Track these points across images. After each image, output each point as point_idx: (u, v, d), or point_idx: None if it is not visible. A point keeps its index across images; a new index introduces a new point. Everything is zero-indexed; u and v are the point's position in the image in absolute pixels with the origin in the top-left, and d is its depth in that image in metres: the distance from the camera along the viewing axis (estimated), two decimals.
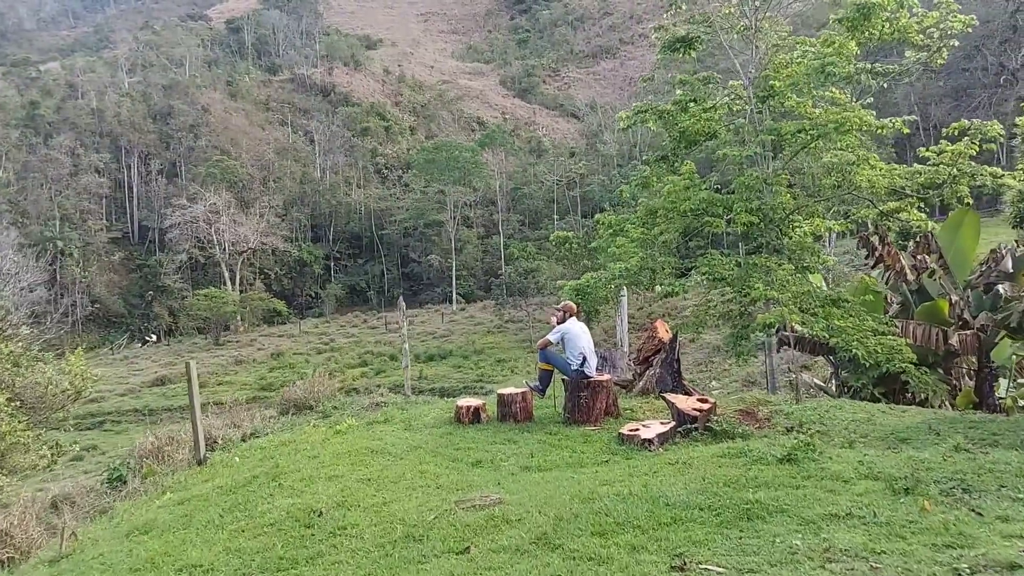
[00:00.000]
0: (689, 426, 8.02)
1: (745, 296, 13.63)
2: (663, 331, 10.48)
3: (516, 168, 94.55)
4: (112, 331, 78.96)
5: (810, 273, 13.91)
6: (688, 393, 10.17)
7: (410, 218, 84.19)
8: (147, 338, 72.74)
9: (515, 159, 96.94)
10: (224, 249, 74.34)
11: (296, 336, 66.01)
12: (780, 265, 12.97)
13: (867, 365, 12.22)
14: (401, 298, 11.61)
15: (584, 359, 8.97)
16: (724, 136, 14.46)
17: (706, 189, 13.41)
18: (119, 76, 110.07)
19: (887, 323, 13.02)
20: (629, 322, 55.22)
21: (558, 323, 9.70)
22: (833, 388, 18.40)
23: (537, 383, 9.54)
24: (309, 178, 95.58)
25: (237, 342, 65.70)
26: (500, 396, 9.41)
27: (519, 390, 9.44)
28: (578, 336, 9.09)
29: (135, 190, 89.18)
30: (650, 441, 7.55)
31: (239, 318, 70.12)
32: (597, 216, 15.70)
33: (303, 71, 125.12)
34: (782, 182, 13.83)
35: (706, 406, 8.25)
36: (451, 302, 74.31)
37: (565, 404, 9.06)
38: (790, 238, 14.56)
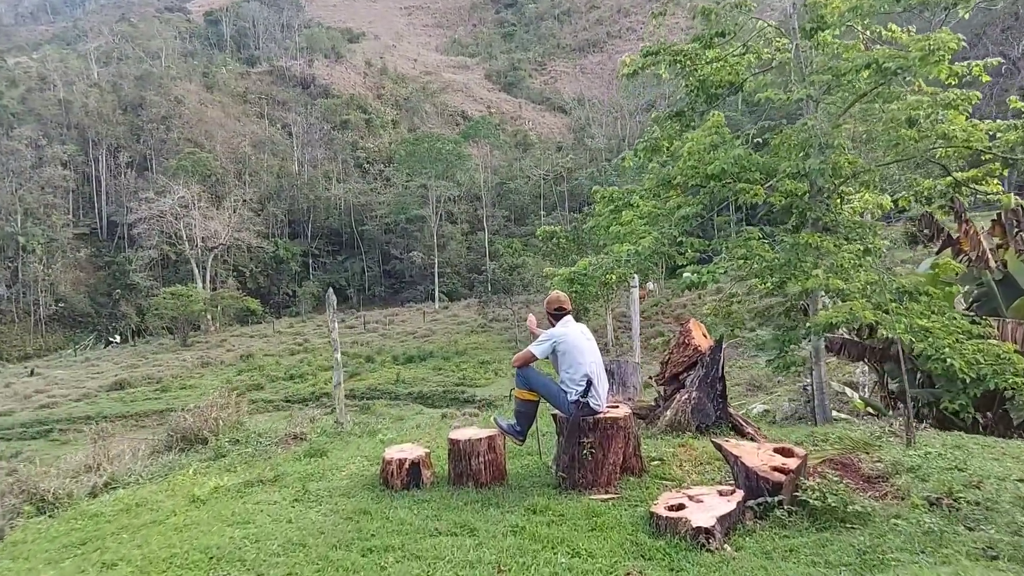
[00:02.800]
0: (768, 499, 4.75)
1: (793, 286, 10.41)
2: (700, 335, 7.22)
3: (502, 162, 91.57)
4: (78, 331, 75.26)
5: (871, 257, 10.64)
6: (741, 430, 6.91)
7: (391, 213, 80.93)
8: (111, 339, 68.97)
9: (500, 153, 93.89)
10: (194, 245, 70.66)
11: (269, 336, 62.57)
12: (840, 246, 9.71)
13: (965, 381, 8.97)
14: (331, 292, 8.14)
15: (589, 383, 5.70)
16: (762, 79, 11.17)
17: (741, 145, 10.10)
18: (91, 67, 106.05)
19: (984, 323, 9.80)
20: (619, 324, 52.13)
21: (543, 326, 6.54)
22: (878, 401, 15.23)
23: (513, 423, 6.16)
24: (286, 172, 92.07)
25: (206, 343, 62.18)
26: (454, 444, 5.91)
27: (483, 432, 6.05)
28: (578, 347, 5.79)
29: (103, 184, 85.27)
30: (708, 532, 4.31)
31: (209, 317, 66.51)
32: (595, 188, 12.40)
33: (282, 63, 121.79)
34: (843, 137, 10.55)
35: (791, 462, 4.97)
36: (434, 300, 71.04)
37: (558, 456, 5.82)
38: (839, 214, 11.31)
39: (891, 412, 13.68)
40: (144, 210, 70.38)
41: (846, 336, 12.76)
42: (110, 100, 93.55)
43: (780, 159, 10.44)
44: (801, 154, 10.34)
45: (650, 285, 56.32)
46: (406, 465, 5.73)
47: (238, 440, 8.81)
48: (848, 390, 18.21)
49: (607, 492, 5.36)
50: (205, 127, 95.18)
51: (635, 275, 9.27)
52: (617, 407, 5.89)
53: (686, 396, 6.93)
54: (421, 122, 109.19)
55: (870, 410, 15.03)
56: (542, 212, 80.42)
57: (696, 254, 10.40)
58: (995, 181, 11.75)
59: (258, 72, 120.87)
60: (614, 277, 11.14)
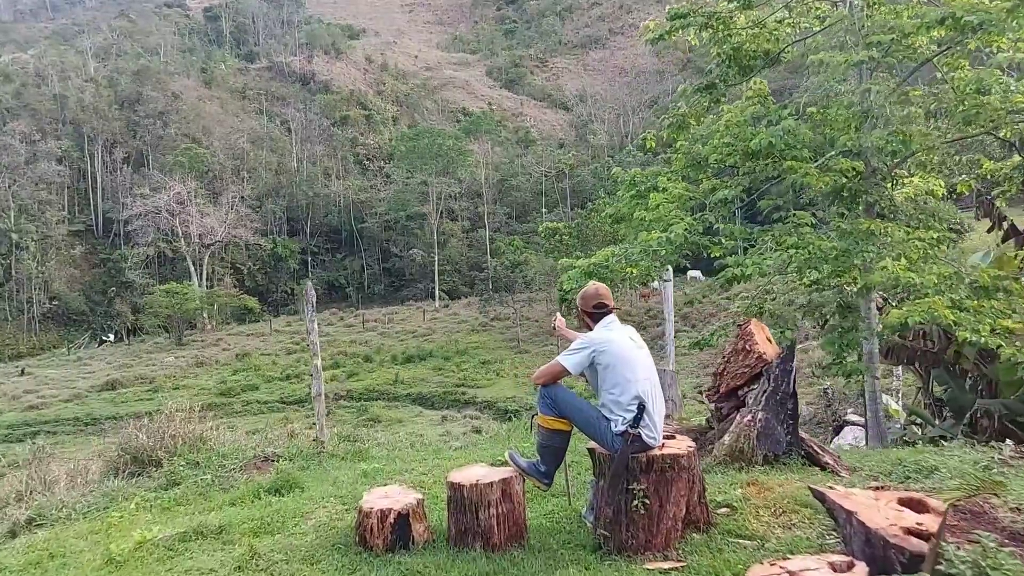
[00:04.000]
0: (899, 573, 3.30)
1: (849, 280, 8.99)
2: (763, 340, 5.77)
3: (503, 159, 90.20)
4: (72, 330, 73.89)
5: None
6: (817, 460, 5.48)
7: (391, 210, 79.56)
8: (104, 338, 67.58)
9: (502, 150, 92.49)
10: (191, 242, 69.24)
11: (266, 335, 61.14)
12: (910, 234, 8.25)
13: None
14: (309, 285, 6.65)
15: (642, 409, 4.25)
16: (813, 42, 9.68)
17: (790, 116, 8.62)
18: (87, 63, 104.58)
19: None
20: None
21: (570, 327, 5.26)
22: (922, 408, 13.72)
23: (535, 461, 4.63)
24: (285, 168, 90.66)
25: (201, 341, 60.76)
26: (455, 490, 4.38)
27: (495, 473, 4.49)
28: (627, 359, 4.35)
29: (99, 180, 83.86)
30: None
31: (205, 316, 65.10)
32: (615, 171, 10.95)
33: (282, 59, 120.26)
34: (902, 109, 9.09)
35: (928, 520, 3.52)
36: (434, 298, 69.62)
37: (597, 505, 4.34)
38: (896, 198, 9.87)
39: (938, 421, 12.24)
40: (139, 206, 69.00)
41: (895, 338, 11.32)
42: (106, 95, 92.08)
43: (835, 132, 9.00)
44: (855, 129, 8.90)
45: (655, 284, 54.85)
46: (390, 518, 4.18)
47: (198, 463, 7.35)
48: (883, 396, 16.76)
49: (666, 558, 3.89)
50: (203, 123, 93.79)
51: (668, 267, 7.81)
52: (674, 437, 4.44)
53: (749, 417, 5.48)
54: (422, 119, 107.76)
55: (912, 419, 13.57)
56: (544, 209, 78.98)
57: (733, 243, 8.99)
58: None
59: (257, 68, 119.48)
60: (635, 271, 9.71)
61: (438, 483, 5.34)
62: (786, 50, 10.72)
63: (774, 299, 11.88)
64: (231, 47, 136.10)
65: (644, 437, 4.23)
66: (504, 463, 4.64)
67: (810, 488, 3.92)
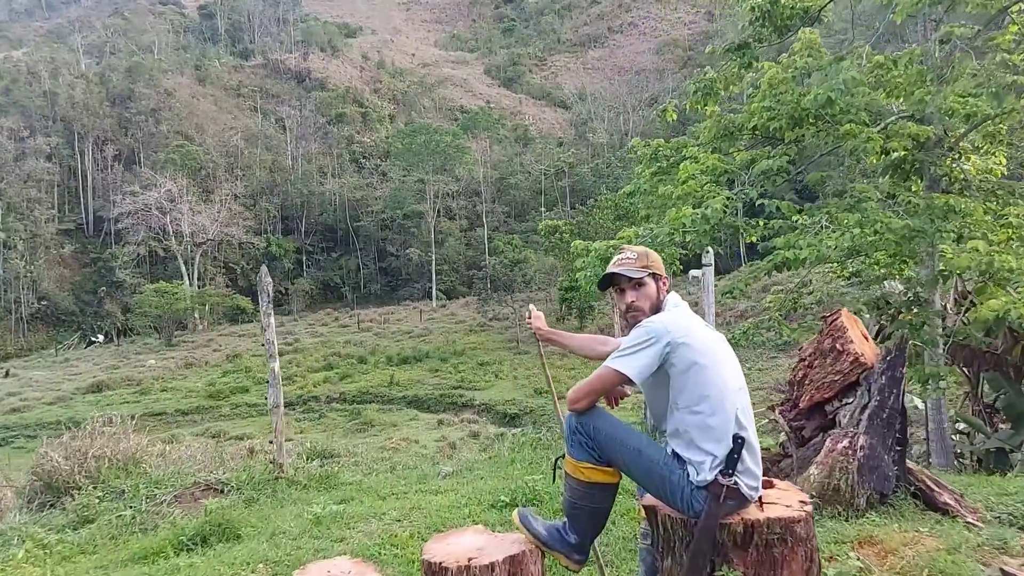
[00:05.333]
0: None
1: (898, 269, 7.51)
2: (859, 337, 4.27)
3: (501, 158, 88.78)
4: (61, 330, 72.34)
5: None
6: (932, 500, 3.97)
7: (388, 209, 78.07)
8: (93, 338, 66.06)
9: (500, 148, 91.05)
10: (182, 241, 67.75)
11: (258, 336, 59.51)
12: (1006, 212, 6.77)
13: None
14: (264, 271, 5.08)
15: (740, 442, 2.75)
16: None
17: (852, 68, 7.10)
18: (79, 59, 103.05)
19: None
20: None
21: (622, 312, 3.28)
22: (971, 415, 12.20)
23: (558, 525, 3.01)
24: (280, 166, 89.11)
25: (192, 342, 59.32)
26: (434, 573, 2.71)
27: (496, 545, 2.89)
28: (718, 358, 2.86)
29: (89, 178, 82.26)
30: None
31: (197, 316, 63.61)
32: (633, 140, 9.43)
33: (277, 57, 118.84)
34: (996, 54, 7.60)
35: None
36: (431, 298, 68.12)
37: None
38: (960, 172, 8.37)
39: (992, 430, 10.75)
40: (129, 204, 67.53)
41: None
42: (97, 92, 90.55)
43: (900, 92, 7.52)
44: (928, 83, 7.42)
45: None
46: None
47: (123, 491, 5.82)
48: (917, 400, 15.31)
49: None
50: (196, 120, 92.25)
51: (708, 248, 6.31)
52: (772, 484, 2.93)
53: (846, 443, 3.98)
54: (419, 116, 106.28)
55: (957, 428, 12.05)
56: (543, 208, 77.50)
57: (779, 223, 7.52)
58: None
59: (252, 65, 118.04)
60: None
61: (416, 536, 3.82)
62: (827, 7, 9.25)
63: (811, 293, 10.39)
64: (226, 45, 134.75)
65: (743, 488, 2.72)
66: (515, 528, 3.04)
67: (1002, 571, 2.45)
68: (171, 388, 46.08)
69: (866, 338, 4.41)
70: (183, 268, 68.15)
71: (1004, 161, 9.45)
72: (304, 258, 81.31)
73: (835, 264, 9.25)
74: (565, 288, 44.47)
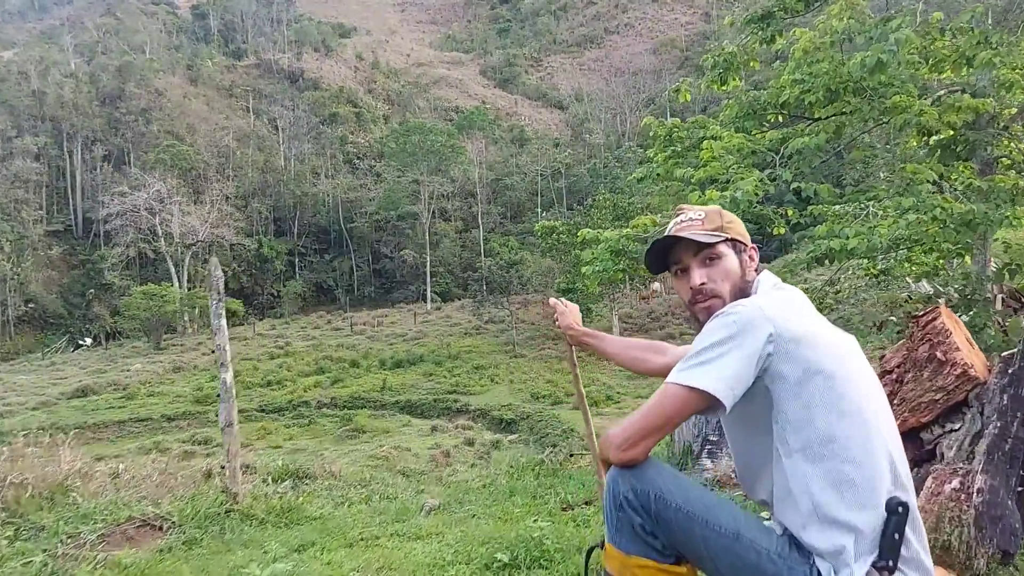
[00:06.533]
0: None
1: (933, 263, 6.55)
2: (964, 341, 3.27)
3: (497, 158, 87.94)
4: (49, 333, 71.21)
5: None
6: None
7: (382, 210, 77.06)
8: (81, 341, 64.97)
9: (496, 149, 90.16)
10: (171, 242, 66.69)
11: (249, 339, 58.60)
12: None
13: None
14: (214, 263, 4.05)
15: (904, 513, 1.69)
16: None
17: (905, 26, 6.09)
18: (68, 58, 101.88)
19: None
20: (624, 326, 47.80)
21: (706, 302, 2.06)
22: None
23: None
24: (272, 167, 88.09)
25: (181, 346, 58.26)
26: None
27: None
28: (850, 372, 1.77)
29: (78, 179, 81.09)
30: None
31: (186, 318, 62.55)
32: (646, 120, 8.42)
33: (270, 56, 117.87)
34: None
35: None
36: (426, 301, 67.14)
37: None
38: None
39: None
40: (117, 205, 66.44)
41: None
42: (87, 91, 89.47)
43: (953, 61, 6.54)
44: (987, 51, 6.43)
45: (655, 285, 52.41)
46: None
47: (42, 528, 4.79)
48: None
49: None
50: (187, 120, 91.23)
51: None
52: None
53: (957, 484, 2.98)
54: (414, 117, 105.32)
55: None
56: (539, 209, 76.59)
57: (821, 210, 6.55)
58: None
59: (245, 65, 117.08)
60: None
61: None
62: None
63: (837, 292, 9.41)
64: (219, 44, 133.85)
65: None
66: None
67: None
68: (158, 393, 45.13)
69: (971, 343, 3.42)
70: (172, 270, 67.10)
71: None
72: (296, 260, 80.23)
73: (865, 260, 8.27)
74: (563, 290, 43.52)
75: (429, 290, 68.46)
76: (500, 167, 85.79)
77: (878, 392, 1.89)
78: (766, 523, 1.89)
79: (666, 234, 2.06)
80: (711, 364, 1.75)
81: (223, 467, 5.49)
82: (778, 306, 1.82)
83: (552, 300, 2.67)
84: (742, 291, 1.98)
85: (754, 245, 2.09)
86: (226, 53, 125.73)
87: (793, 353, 1.75)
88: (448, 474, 10.67)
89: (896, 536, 1.72)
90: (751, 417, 1.84)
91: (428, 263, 69.20)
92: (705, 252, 1.99)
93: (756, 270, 2.05)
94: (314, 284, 78.01)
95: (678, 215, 2.11)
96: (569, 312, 2.63)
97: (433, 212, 74.47)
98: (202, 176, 79.05)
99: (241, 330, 63.05)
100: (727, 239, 2.01)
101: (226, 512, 5.14)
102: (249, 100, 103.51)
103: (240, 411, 27.21)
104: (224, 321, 5.52)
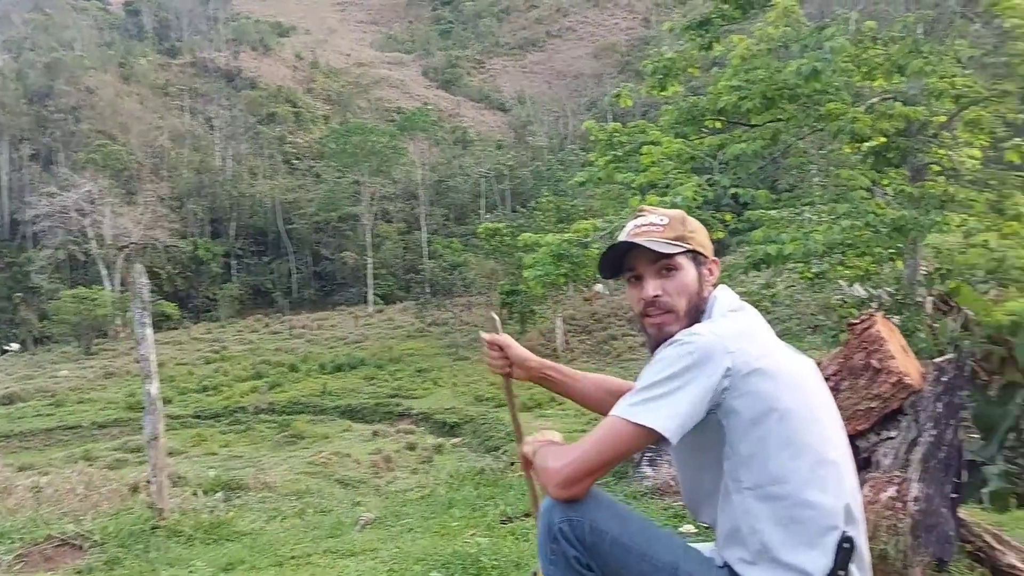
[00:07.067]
0: None
1: (862, 268, 6.67)
2: (899, 349, 3.29)
3: (440, 160, 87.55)
4: None
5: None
6: (996, 563, 2.98)
7: (322, 211, 76.05)
8: (7, 347, 62.65)
9: (439, 150, 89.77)
10: (102, 244, 64.76)
11: (183, 343, 57.31)
12: (1008, 196, 5.95)
13: None
14: (139, 269, 3.81)
15: (849, 550, 1.64)
16: None
17: (839, 35, 6.18)
18: None
19: None
20: (568, 327, 47.95)
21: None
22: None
23: None
24: (208, 167, 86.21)
25: (113, 351, 56.60)
26: None
27: None
28: (809, 406, 1.71)
29: (4, 179, 78.22)
30: None
31: (118, 323, 60.77)
32: (587, 123, 8.41)
33: (206, 55, 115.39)
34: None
35: None
36: (367, 303, 66.46)
37: None
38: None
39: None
40: (46, 205, 64.24)
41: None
42: (13, 89, 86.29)
43: (885, 69, 6.67)
44: (919, 60, 6.57)
45: (598, 287, 52.75)
46: None
47: None
48: None
49: None
50: (119, 119, 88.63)
51: None
52: None
53: (893, 492, 2.98)
54: (355, 117, 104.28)
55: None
56: (483, 211, 76.52)
57: (758, 215, 6.61)
58: None
59: (180, 64, 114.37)
60: None
61: None
62: None
63: (774, 295, 9.54)
64: (153, 42, 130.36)
65: None
66: None
67: None
68: (88, 399, 43.81)
69: (907, 351, 3.45)
70: (104, 273, 65.17)
71: (979, 154, 8.74)
72: (234, 262, 78.61)
73: (801, 264, 8.41)
74: (506, 292, 43.52)
75: (371, 292, 67.79)
76: (443, 168, 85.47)
77: (836, 423, 1.84)
78: (706, 553, 1.83)
79: (623, 238, 1.95)
80: (664, 400, 1.67)
81: (149, 482, 5.26)
82: (737, 335, 1.74)
83: (489, 336, 2.26)
84: (697, 308, 1.89)
85: (715, 259, 1.99)
86: (160, 51, 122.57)
87: (749, 388, 1.69)
88: (388, 481, 10.50)
89: (841, 573, 1.68)
90: (701, 447, 1.77)
91: (370, 265, 68.51)
92: (663, 262, 1.88)
93: (714, 285, 1.96)
94: (251, 287, 76.53)
95: (638, 217, 1.99)
96: (505, 346, 2.21)
97: (375, 213, 73.77)
98: (135, 176, 77.00)
99: (175, 334, 61.59)
100: (688, 250, 1.90)
101: (151, 529, 4.92)
102: (184, 99, 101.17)
103: (174, 417, 26.56)
104: (149, 330, 5.29)
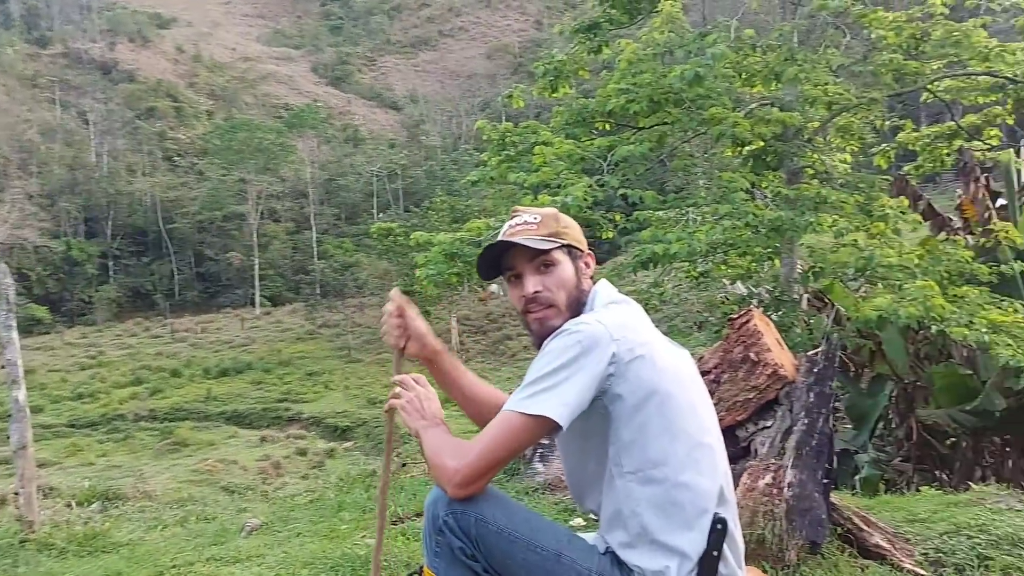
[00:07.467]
0: None
1: (745, 265, 6.98)
2: (775, 343, 3.44)
3: (330, 158, 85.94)
4: None
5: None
6: (864, 544, 3.20)
7: (205, 210, 73.38)
8: None
9: (329, 148, 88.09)
10: None
11: (56, 349, 54.17)
12: (878, 204, 6.34)
13: None
14: (2, 268, 3.51)
15: (722, 531, 1.73)
16: None
17: (720, 42, 6.42)
18: None
19: None
20: (463, 328, 47.97)
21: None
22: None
23: None
24: (82, 163, 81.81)
25: None
26: None
27: None
28: (687, 387, 1.82)
29: None
30: None
31: None
32: (480, 123, 8.45)
33: (79, 45, 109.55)
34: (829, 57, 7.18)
35: None
36: (254, 305, 64.56)
37: None
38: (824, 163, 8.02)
39: (834, 431, 10.54)
40: None
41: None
42: None
43: (763, 76, 6.97)
44: (793, 67, 6.89)
45: (493, 287, 52.96)
46: None
47: None
48: None
49: None
50: None
51: None
52: None
53: (770, 479, 3.12)
54: (240, 113, 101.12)
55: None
56: (375, 210, 75.59)
57: (647, 215, 6.78)
58: (996, 131, 8.93)
59: (51, 54, 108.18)
60: None
61: None
62: None
63: (662, 294, 9.81)
64: (21, 31, 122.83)
65: None
66: None
67: None
68: None
69: (781, 345, 3.60)
70: None
71: (850, 158, 9.26)
72: (111, 263, 74.89)
73: (687, 264, 8.69)
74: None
75: (258, 294, 65.93)
76: (334, 167, 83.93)
77: (708, 410, 1.92)
78: (590, 541, 1.87)
79: (499, 238, 1.98)
80: (556, 389, 1.70)
81: (17, 493, 4.94)
82: (620, 325, 1.79)
83: (399, 297, 2.17)
84: (578, 300, 1.93)
85: (590, 252, 2.05)
86: (29, 40, 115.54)
87: (633, 375, 1.74)
88: (277, 487, 10.23)
89: (715, 554, 1.74)
90: (586, 434, 1.81)
91: (256, 266, 66.60)
92: (540, 259, 1.92)
93: (592, 278, 2.01)
94: (130, 289, 73.04)
95: (513, 217, 2.03)
96: (397, 299, 2.16)
97: (262, 213, 71.75)
98: (2, 172, 72.39)
99: (48, 339, 58.16)
100: (563, 245, 1.95)
101: (20, 543, 4.62)
102: (56, 91, 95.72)
103: (46, 427, 25.09)
104: (15, 334, 4.96)
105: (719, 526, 1.75)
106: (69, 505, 6.28)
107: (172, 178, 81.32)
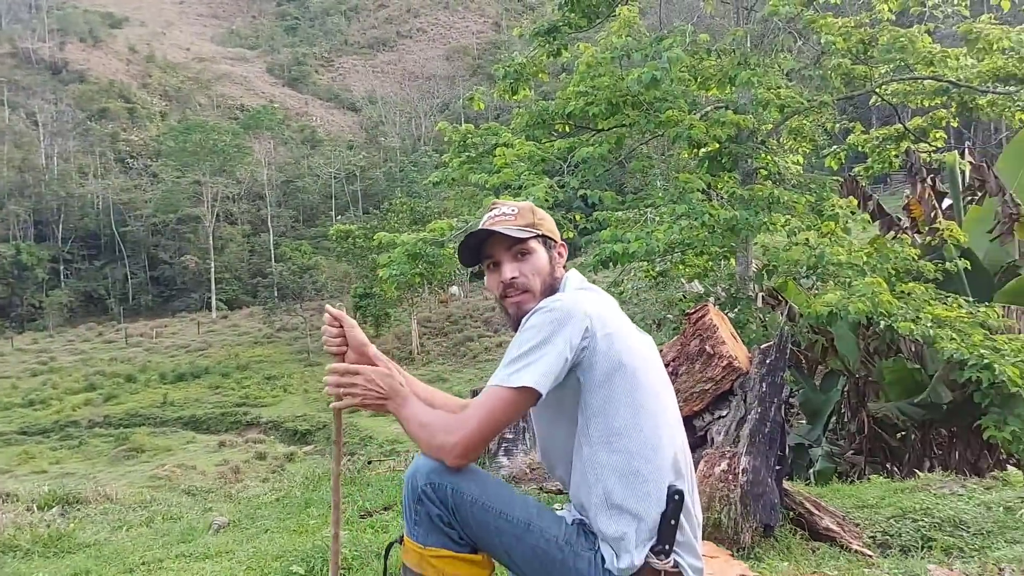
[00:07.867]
0: None
1: (702, 264, 7.17)
2: (729, 336, 3.59)
3: (288, 160, 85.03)
4: None
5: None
6: (815, 527, 3.36)
7: (159, 212, 72.14)
8: None
9: (286, 150, 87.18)
10: None
11: (6, 355, 52.90)
12: (829, 204, 6.56)
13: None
14: None
15: (679, 500, 1.85)
16: None
17: (676, 46, 6.59)
18: None
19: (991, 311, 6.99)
20: (423, 330, 47.87)
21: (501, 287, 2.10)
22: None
23: None
24: (31, 165, 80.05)
25: None
26: None
27: None
28: (649, 369, 1.93)
29: None
30: None
31: None
32: (440, 125, 8.53)
33: (28, 45, 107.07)
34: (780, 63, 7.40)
35: None
36: (211, 309, 63.66)
37: None
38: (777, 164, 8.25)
39: (788, 425, 10.87)
40: None
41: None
42: None
43: (717, 80, 7.16)
44: (747, 72, 7.10)
45: (453, 289, 52.94)
46: None
47: None
48: None
49: None
50: None
51: None
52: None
53: (725, 466, 3.26)
54: (195, 114, 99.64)
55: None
56: (334, 212, 75.03)
57: (606, 215, 6.92)
58: (941, 133, 9.25)
59: None
60: None
61: None
62: None
63: (621, 293, 9.98)
64: None
65: (685, 564, 1.89)
66: None
67: None
68: None
69: (736, 338, 3.76)
70: None
71: (800, 159, 9.52)
72: (62, 267, 73.27)
73: (645, 263, 8.87)
74: (360, 295, 42.90)
75: (214, 298, 65.02)
76: (291, 168, 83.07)
77: (668, 389, 2.06)
78: (559, 513, 1.99)
79: (480, 227, 2.12)
80: (538, 362, 1.84)
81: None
82: (592, 302, 1.95)
83: (334, 311, 2.29)
84: (551, 287, 2.08)
85: (563, 243, 2.20)
86: None
87: (604, 348, 1.88)
88: (239, 490, 10.18)
89: (672, 522, 1.88)
90: (559, 404, 1.94)
91: (213, 269, 65.69)
92: (517, 247, 2.07)
93: (564, 267, 2.17)
94: (83, 293, 71.56)
95: (492, 209, 2.17)
96: (353, 324, 2.27)
97: (217, 215, 70.81)
98: None
99: None
100: (538, 235, 2.10)
101: None
102: (3, 92, 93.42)
103: None
104: None
105: (676, 496, 1.87)
106: (30, 509, 6.22)
107: (125, 180, 79.89)
